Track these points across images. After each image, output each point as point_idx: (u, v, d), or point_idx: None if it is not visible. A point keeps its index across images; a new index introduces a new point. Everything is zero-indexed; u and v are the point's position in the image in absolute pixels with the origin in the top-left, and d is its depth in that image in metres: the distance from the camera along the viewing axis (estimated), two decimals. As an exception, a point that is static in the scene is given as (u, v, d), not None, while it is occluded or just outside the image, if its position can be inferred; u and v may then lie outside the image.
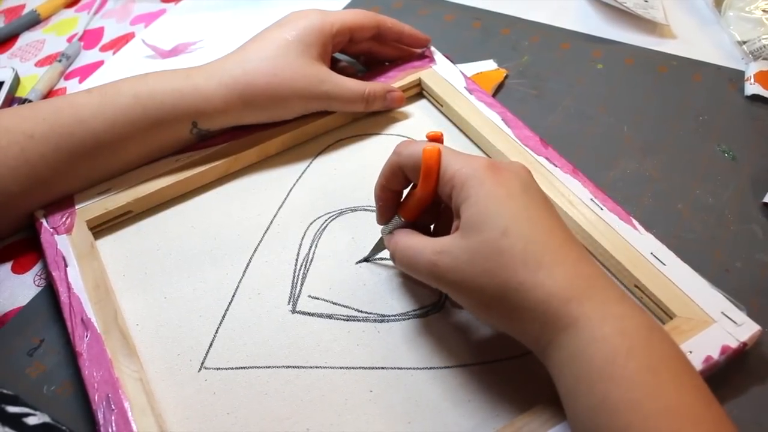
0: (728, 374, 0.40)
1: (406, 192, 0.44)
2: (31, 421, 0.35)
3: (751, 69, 0.59)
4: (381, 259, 0.48)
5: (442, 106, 0.57)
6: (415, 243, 0.40)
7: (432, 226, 0.45)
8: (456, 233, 0.38)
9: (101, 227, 0.50)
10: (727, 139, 0.55)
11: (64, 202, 0.50)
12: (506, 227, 0.36)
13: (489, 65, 0.62)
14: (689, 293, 0.42)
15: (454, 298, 0.39)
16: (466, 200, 0.37)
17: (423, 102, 0.59)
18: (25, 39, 0.72)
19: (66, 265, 0.46)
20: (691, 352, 0.39)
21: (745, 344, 0.39)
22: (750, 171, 0.52)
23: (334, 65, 0.58)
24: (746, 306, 0.41)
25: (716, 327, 0.40)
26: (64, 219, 0.49)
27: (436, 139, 0.42)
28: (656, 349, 0.33)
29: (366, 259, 0.48)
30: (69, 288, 0.45)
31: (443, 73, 0.58)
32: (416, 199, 0.41)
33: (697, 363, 0.39)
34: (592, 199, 0.47)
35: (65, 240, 0.48)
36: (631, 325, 0.34)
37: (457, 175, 0.38)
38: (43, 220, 0.49)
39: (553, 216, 0.38)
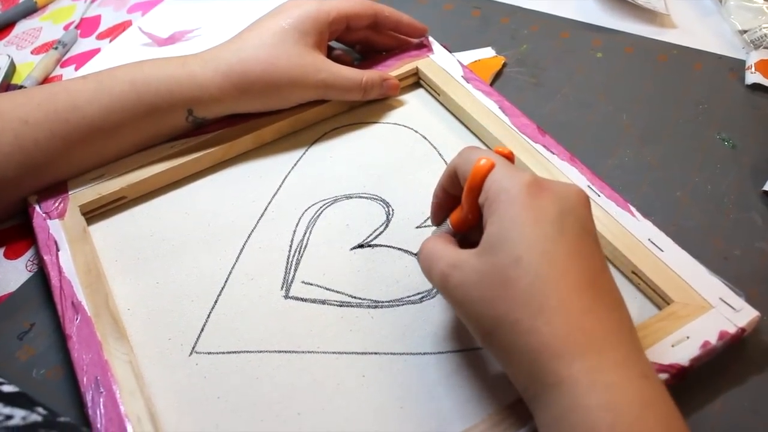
0: (727, 363, 0.40)
1: None
2: (5, 389, 0.34)
3: (752, 58, 0.59)
4: (376, 245, 0.47)
5: (439, 95, 0.57)
6: (438, 249, 0.37)
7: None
8: (474, 250, 0.35)
9: (94, 213, 0.50)
10: (727, 127, 0.54)
11: (58, 188, 0.50)
12: (520, 256, 0.33)
13: (487, 53, 0.62)
14: (687, 279, 0.41)
15: (457, 315, 0.37)
16: (491, 216, 0.35)
17: (420, 91, 0.59)
18: (21, 27, 0.72)
19: (58, 250, 0.46)
20: (688, 337, 0.38)
21: (743, 330, 0.39)
22: (750, 159, 0.52)
23: (330, 53, 0.58)
24: (745, 294, 0.41)
25: (714, 312, 0.40)
26: (57, 204, 0.49)
27: (504, 154, 0.38)
28: (645, 430, 0.30)
29: (361, 246, 0.47)
30: (60, 272, 0.44)
31: (440, 62, 0.58)
32: (462, 210, 0.39)
33: (695, 348, 0.38)
34: (589, 186, 0.47)
35: (57, 224, 0.48)
36: (621, 399, 0.30)
37: (493, 187, 0.35)
38: (36, 206, 0.49)
39: (582, 254, 0.33)
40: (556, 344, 0.31)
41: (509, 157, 0.38)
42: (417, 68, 0.58)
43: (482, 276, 0.34)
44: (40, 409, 0.33)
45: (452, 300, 0.36)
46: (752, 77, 0.58)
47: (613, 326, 0.32)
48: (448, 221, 0.40)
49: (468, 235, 0.40)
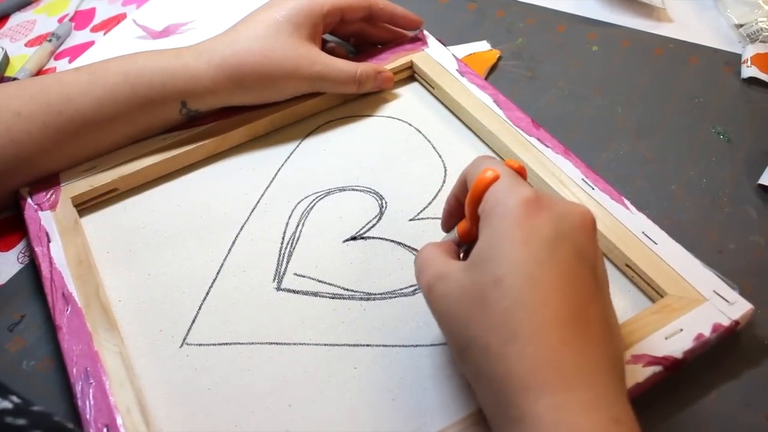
0: (721, 356, 0.40)
1: None
2: None
3: (748, 52, 0.59)
4: (369, 238, 0.47)
5: (433, 88, 0.57)
6: (432, 257, 0.36)
7: None
8: (463, 263, 0.34)
9: (86, 204, 0.50)
10: (723, 121, 0.54)
11: (50, 180, 0.50)
12: (501, 277, 0.31)
13: (482, 46, 0.62)
14: (681, 272, 0.41)
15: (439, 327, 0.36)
16: (484, 229, 0.33)
17: (414, 85, 0.58)
18: (15, 19, 0.71)
19: (49, 241, 0.46)
20: (682, 329, 0.38)
21: (737, 323, 0.39)
22: (745, 153, 0.52)
23: (324, 46, 0.57)
24: (739, 287, 0.41)
25: (708, 305, 0.39)
26: (48, 196, 0.49)
27: (515, 168, 0.36)
28: None
29: (354, 238, 0.47)
30: (51, 263, 0.44)
31: (435, 55, 0.58)
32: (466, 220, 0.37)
33: (688, 340, 0.38)
34: (583, 179, 0.47)
35: (49, 216, 0.47)
36: None
37: (491, 199, 0.33)
38: (28, 197, 0.49)
39: (570, 282, 0.31)
40: (523, 376, 0.29)
41: (520, 171, 0.36)
42: (412, 62, 0.58)
43: (463, 292, 0.32)
44: (14, 398, 0.32)
45: (433, 311, 0.35)
46: (748, 71, 0.57)
47: (590, 363, 0.30)
48: (455, 230, 0.39)
49: (474, 246, 0.38)
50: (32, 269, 0.47)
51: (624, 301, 0.42)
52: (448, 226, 0.41)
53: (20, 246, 0.49)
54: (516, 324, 0.30)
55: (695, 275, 0.41)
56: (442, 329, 0.35)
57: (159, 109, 0.51)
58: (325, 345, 0.41)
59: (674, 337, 0.38)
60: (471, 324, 0.32)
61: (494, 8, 0.67)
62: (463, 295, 0.32)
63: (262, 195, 0.50)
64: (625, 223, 0.44)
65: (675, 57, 0.60)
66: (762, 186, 0.49)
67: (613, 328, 0.32)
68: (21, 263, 0.48)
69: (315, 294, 0.44)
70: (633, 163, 0.51)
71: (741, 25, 0.62)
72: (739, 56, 0.60)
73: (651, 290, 0.42)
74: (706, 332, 0.38)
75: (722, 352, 0.40)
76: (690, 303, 0.40)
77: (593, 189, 0.46)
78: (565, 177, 0.47)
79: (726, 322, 0.39)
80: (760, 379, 0.39)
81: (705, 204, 0.48)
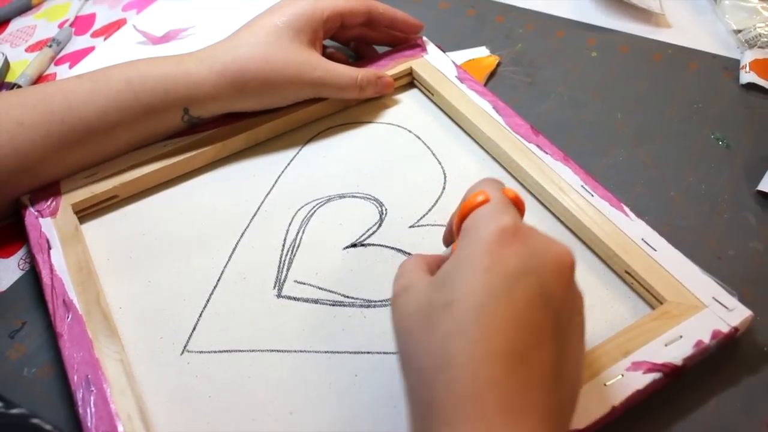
0: (720, 364, 0.40)
1: None
2: None
3: (747, 57, 0.59)
4: (369, 245, 0.47)
5: (433, 95, 0.57)
6: (408, 268, 0.35)
7: None
8: (430, 279, 0.33)
9: (87, 211, 0.50)
10: (722, 127, 0.54)
11: (51, 187, 0.50)
12: (452, 301, 0.30)
13: (481, 52, 0.62)
14: (680, 278, 0.41)
15: None
16: (456, 250, 0.32)
17: (414, 91, 0.58)
18: (15, 25, 0.71)
19: (49, 248, 0.46)
20: (681, 336, 0.38)
21: (736, 329, 0.39)
22: (744, 159, 0.52)
23: (323, 52, 0.57)
24: (739, 294, 0.41)
25: (707, 312, 0.39)
26: (49, 203, 0.49)
27: (510, 197, 0.34)
28: None
29: (354, 245, 0.47)
30: (52, 270, 0.44)
31: (434, 62, 0.58)
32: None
33: (688, 347, 0.38)
34: (582, 186, 0.47)
35: (49, 223, 0.47)
36: None
37: (471, 222, 0.33)
38: (29, 204, 0.49)
39: (522, 321, 0.29)
40: (448, 408, 0.28)
41: (516, 203, 0.35)
42: (411, 68, 0.58)
43: (417, 309, 0.32)
44: None
45: (392, 320, 0.34)
46: (746, 77, 0.57)
47: (522, 407, 0.28)
48: (451, 247, 0.39)
49: None
50: (33, 276, 0.47)
51: (624, 307, 0.42)
52: (446, 242, 0.41)
53: (21, 252, 0.49)
54: (453, 352, 0.29)
55: (694, 282, 0.41)
56: (395, 340, 0.34)
57: (161, 115, 0.51)
58: (325, 352, 0.41)
59: (674, 344, 0.38)
60: (413, 342, 0.31)
61: (493, 14, 0.67)
62: (416, 312, 0.32)
63: (263, 202, 0.50)
64: (624, 230, 0.44)
65: (674, 62, 0.60)
66: (761, 192, 0.49)
67: (565, 379, 0.30)
68: (22, 269, 0.48)
69: (315, 301, 0.44)
70: (632, 169, 0.52)
71: (739, 31, 0.62)
72: (737, 62, 0.60)
73: (650, 297, 0.42)
74: (706, 339, 0.38)
75: (722, 359, 0.40)
76: (689, 310, 0.40)
77: (592, 196, 0.46)
78: (564, 184, 0.47)
79: (725, 329, 0.39)
80: (759, 386, 0.39)
81: (704, 210, 0.49)
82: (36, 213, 0.48)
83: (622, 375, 0.37)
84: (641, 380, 0.37)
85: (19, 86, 0.61)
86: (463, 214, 0.34)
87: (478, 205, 0.33)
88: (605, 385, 0.37)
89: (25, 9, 0.73)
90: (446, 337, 0.29)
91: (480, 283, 0.30)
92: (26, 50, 0.68)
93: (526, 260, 0.30)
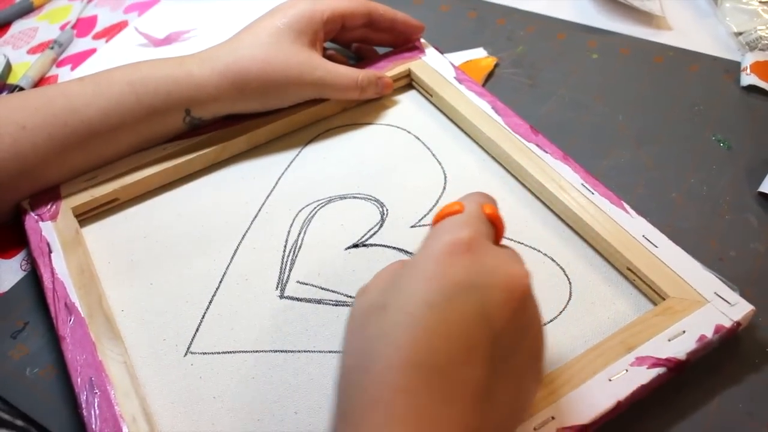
0: (721, 361, 0.40)
1: None
2: None
3: (747, 60, 0.59)
4: (371, 245, 0.47)
5: (431, 96, 0.57)
6: (380, 272, 0.34)
7: None
8: (386, 283, 0.32)
9: (87, 215, 0.50)
10: (723, 128, 0.55)
11: (51, 191, 0.49)
12: (388, 305, 0.29)
13: (479, 53, 0.62)
14: (682, 274, 0.41)
15: None
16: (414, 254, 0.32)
17: (412, 93, 0.59)
18: (17, 26, 0.71)
19: (50, 251, 0.46)
20: (684, 331, 0.39)
21: (738, 324, 0.39)
22: (745, 161, 0.52)
23: (323, 54, 0.57)
24: (740, 295, 0.41)
25: (709, 307, 0.40)
26: (49, 207, 0.48)
27: (487, 214, 0.33)
28: None
29: (356, 245, 0.47)
30: (53, 274, 0.44)
31: (433, 63, 0.58)
32: None
33: (691, 342, 0.38)
34: (582, 184, 0.47)
35: (50, 226, 0.47)
36: None
37: (434, 229, 0.32)
38: (29, 208, 0.48)
39: (451, 337, 0.28)
40: (358, 412, 0.27)
41: (492, 218, 0.33)
42: (409, 70, 0.58)
43: (363, 309, 0.31)
44: None
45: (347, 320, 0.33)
46: (747, 79, 0.58)
47: (427, 419, 0.27)
48: None
49: None
50: (35, 276, 0.47)
51: (626, 304, 0.43)
52: None
53: (23, 253, 0.49)
54: (375, 356, 0.28)
55: (696, 277, 0.41)
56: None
57: (163, 117, 0.51)
58: (329, 352, 0.41)
59: (677, 339, 0.39)
60: (347, 341, 0.31)
61: (495, 16, 0.67)
62: (360, 314, 0.31)
63: (263, 203, 0.51)
64: (625, 227, 0.44)
65: (675, 65, 0.61)
66: (762, 194, 0.49)
67: (498, 402, 0.29)
68: (24, 270, 0.48)
69: (318, 301, 0.44)
70: (633, 170, 0.52)
71: (740, 33, 0.62)
72: (738, 64, 0.60)
73: (653, 293, 0.42)
74: (709, 333, 0.39)
75: (724, 359, 0.40)
76: (692, 305, 0.40)
77: (593, 194, 0.46)
78: (564, 182, 0.47)
79: (728, 324, 0.39)
80: (761, 387, 0.40)
81: (706, 212, 0.49)
82: (36, 217, 0.48)
83: (627, 370, 0.37)
84: (646, 375, 0.37)
85: (21, 88, 0.61)
86: (434, 222, 0.33)
87: (448, 214, 0.33)
88: (610, 380, 0.37)
89: (27, 11, 0.73)
90: (373, 339, 0.29)
91: (419, 291, 0.29)
92: (28, 52, 0.68)
93: (473, 276, 0.29)
